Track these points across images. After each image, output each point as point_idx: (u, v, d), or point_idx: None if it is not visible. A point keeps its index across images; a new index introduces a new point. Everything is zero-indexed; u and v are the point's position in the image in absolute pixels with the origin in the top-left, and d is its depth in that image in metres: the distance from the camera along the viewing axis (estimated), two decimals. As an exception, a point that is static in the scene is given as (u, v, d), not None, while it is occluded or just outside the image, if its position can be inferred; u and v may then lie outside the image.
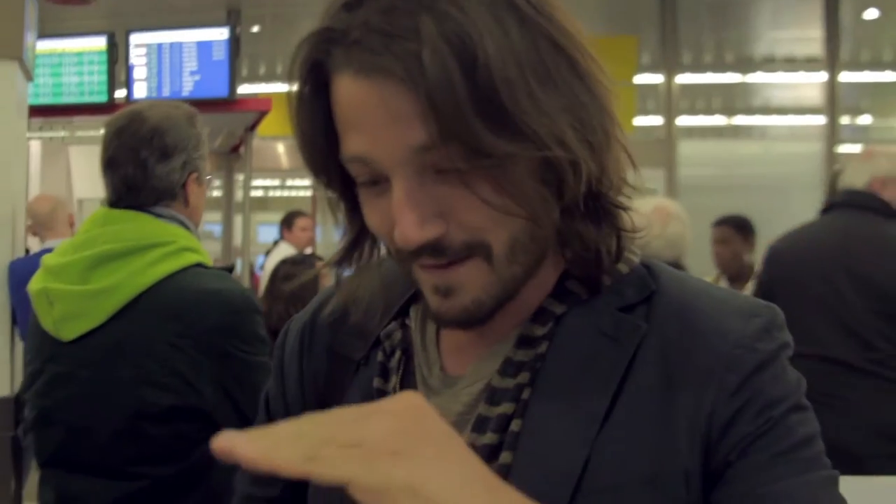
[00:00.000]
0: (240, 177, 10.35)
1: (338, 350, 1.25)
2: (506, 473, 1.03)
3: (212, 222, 13.83)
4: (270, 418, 1.30)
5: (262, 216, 14.31)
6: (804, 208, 10.25)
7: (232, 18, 10.71)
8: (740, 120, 12.13)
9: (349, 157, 1.02)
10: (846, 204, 3.92)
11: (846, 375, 3.64)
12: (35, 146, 8.03)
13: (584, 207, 1.08)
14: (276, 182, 15.77)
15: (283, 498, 1.28)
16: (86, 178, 8.77)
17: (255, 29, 11.56)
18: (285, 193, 16.09)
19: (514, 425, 1.06)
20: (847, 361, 3.62)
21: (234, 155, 10.28)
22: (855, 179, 3.92)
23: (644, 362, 1.07)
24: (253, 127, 8.98)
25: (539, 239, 1.06)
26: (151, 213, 2.39)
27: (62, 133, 8.89)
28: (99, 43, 8.33)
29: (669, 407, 1.05)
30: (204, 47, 8.08)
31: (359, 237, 1.16)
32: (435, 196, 1.00)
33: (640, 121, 10.69)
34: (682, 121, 10.98)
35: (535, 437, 1.05)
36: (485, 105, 0.94)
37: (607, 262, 1.13)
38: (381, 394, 1.16)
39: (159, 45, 8.16)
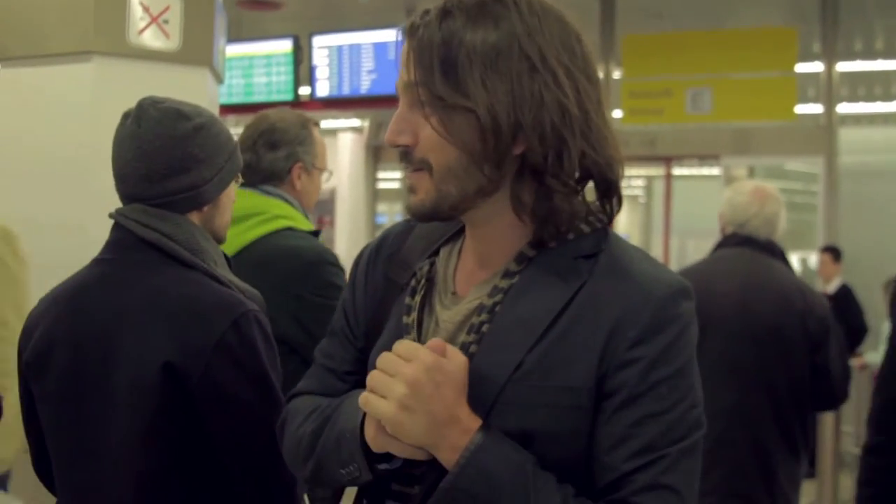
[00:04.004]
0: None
1: (390, 276, 1.73)
2: (470, 359, 1.49)
3: (399, 213, 14.35)
4: (345, 317, 1.78)
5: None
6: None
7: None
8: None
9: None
10: None
11: None
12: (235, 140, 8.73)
13: (532, 180, 1.53)
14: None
15: (351, 371, 1.77)
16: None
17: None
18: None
19: (485, 328, 1.53)
20: None
21: (411, 147, 10.83)
22: None
23: (580, 303, 1.49)
24: (427, 121, 9.47)
25: (472, 176, 1.50)
26: (259, 191, 3.08)
27: (257, 129, 9.54)
28: (285, 46, 9.02)
29: (592, 339, 1.49)
30: (380, 48, 8.64)
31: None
32: (412, 121, 1.52)
33: (802, 109, 10.73)
34: (848, 108, 10.95)
35: (493, 337, 1.51)
36: (448, 69, 1.46)
37: (567, 225, 1.55)
38: (407, 308, 1.64)
39: (339, 47, 8.77)
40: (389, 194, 14.15)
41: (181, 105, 2.23)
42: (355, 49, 8.72)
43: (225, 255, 2.34)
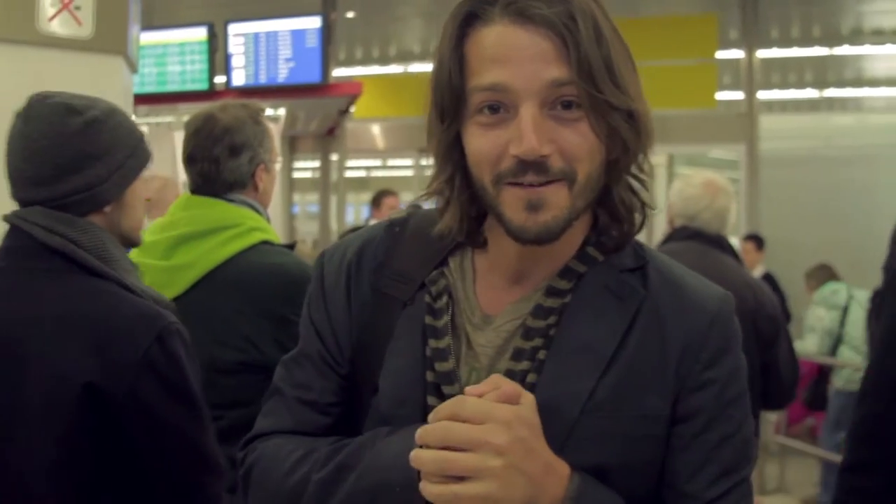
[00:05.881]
0: (335, 158, 10.76)
1: (384, 290, 1.49)
2: (532, 389, 1.34)
3: (313, 203, 14.23)
4: (321, 340, 1.54)
5: (364, 196, 14.60)
6: (887, 180, 10.34)
7: (327, 5, 11.00)
8: (822, 93, 12.09)
9: (486, 86, 1.31)
10: None
11: None
12: (142, 132, 8.50)
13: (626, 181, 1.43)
14: (377, 163, 16.10)
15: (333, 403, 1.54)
16: (184, 168, 9.09)
17: (351, 14, 11.86)
18: (385, 174, 16.39)
19: (541, 354, 1.38)
20: None
21: (329, 137, 10.67)
22: None
23: (644, 322, 1.40)
24: (346, 109, 9.34)
25: (595, 186, 1.37)
26: (225, 199, 2.80)
27: (169, 119, 9.30)
28: (199, 34, 8.79)
29: (662, 362, 1.39)
30: (297, 35, 8.47)
31: (454, 173, 1.42)
32: (548, 127, 1.30)
33: (722, 96, 10.81)
34: (766, 95, 11.03)
35: (556, 365, 1.37)
36: (608, 67, 1.30)
37: (632, 229, 1.45)
38: (433, 330, 1.43)
39: (256, 35, 8.58)
40: (304, 184, 13.96)
41: (72, 98, 2.06)
42: (272, 37, 8.53)
43: (132, 262, 2.17)
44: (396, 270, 1.50)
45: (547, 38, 1.29)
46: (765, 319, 3.72)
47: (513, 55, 1.30)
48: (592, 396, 1.35)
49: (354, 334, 1.51)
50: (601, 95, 1.29)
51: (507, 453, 1.20)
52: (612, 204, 1.42)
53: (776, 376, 3.74)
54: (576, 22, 1.28)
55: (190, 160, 2.82)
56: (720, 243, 3.93)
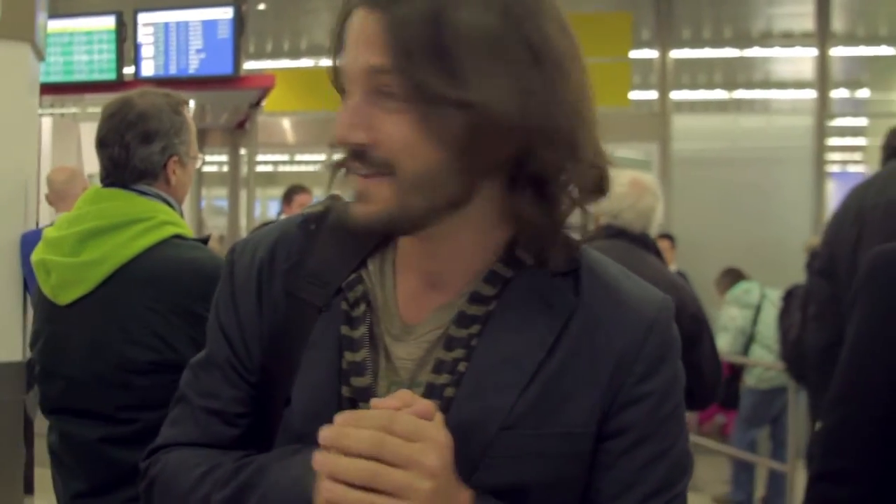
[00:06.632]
0: (245, 152, 10.60)
1: (298, 294, 1.39)
2: (448, 405, 1.27)
3: (220, 198, 14.07)
4: (230, 345, 1.43)
5: (272, 192, 14.45)
6: (795, 181, 10.50)
7: (239, -4, 10.85)
8: (731, 94, 12.23)
9: (336, 69, 1.29)
10: None
11: None
12: (46, 122, 8.23)
13: (531, 189, 1.28)
14: (286, 157, 15.94)
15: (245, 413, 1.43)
16: (96, 154, 8.87)
17: (262, 6, 11.72)
18: (294, 169, 16.25)
19: (461, 366, 1.28)
20: None
21: (239, 131, 10.49)
22: None
23: (574, 332, 1.29)
24: (257, 103, 9.19)
25: (446, 186, 1.23)
26: (135, 191, 2.69)
27: (74, 110, 9.07)
28: (108, 22, 8.55)
29: (592, 375, 1.30)
30: (209, 26, 8.29)
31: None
32: (370, 114, 1.21)
33: (635, 95, 10.86)
34: (677, 95, 11.12)
35: (476, 378, 1.27)
36: (437, 54, 1.17)
37: (554, 238, 1.32)
38: (349, 341, 1.33)
39: (166, 24, 8.37)
40: (212, 178, 13.78)
41: None
42: (183, 27, 8.35)
43: None
44: (312, 272, 1.40)
45: (374, 21, 1.21)
46: (688, 319, 3.70)
47: (350, 39, 1.25)
48: (512, 412, 1.26)
49: (266, 339, 1.41)
50: (422, 86, 1.18)
51: (438, 477, 1.11)
52: (522, 207, 1.30)
53: (699, 376, 3.71)
54: (403, 1, 1.19)
55: (101, 144, 2.70)
56: (644, 242, 3.91)
